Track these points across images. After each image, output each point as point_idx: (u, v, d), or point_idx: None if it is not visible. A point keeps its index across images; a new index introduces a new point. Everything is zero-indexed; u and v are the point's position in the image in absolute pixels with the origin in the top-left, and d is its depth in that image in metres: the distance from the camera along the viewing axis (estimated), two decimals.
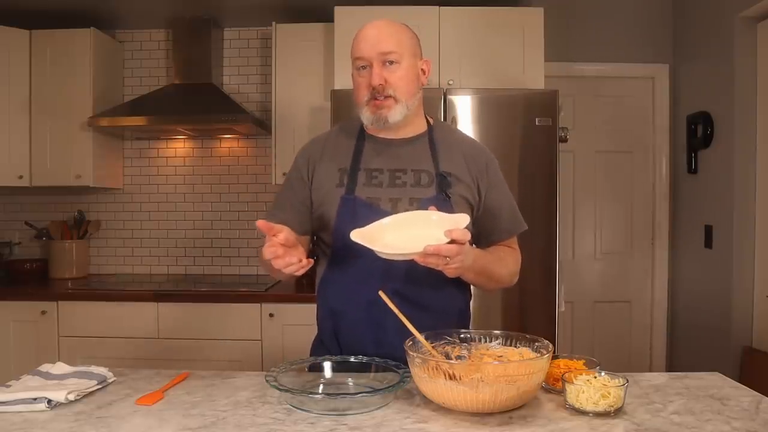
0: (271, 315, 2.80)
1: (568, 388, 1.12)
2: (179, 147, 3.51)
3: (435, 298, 1.42)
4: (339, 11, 2.88)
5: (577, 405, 1.11)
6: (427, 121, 1.53)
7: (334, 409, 1.11)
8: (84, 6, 3.14)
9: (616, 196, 3.42)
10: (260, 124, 3.20)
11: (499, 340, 1.28)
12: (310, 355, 1.50)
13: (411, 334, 1.22)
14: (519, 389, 1.07)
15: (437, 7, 2.88)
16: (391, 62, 1.39)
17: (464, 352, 1.26)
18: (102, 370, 1.32)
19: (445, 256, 1.18)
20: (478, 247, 1.53)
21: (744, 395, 1.22)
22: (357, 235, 1.23)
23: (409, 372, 1.17)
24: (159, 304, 2.85)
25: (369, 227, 1.27)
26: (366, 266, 1.37)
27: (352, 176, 1.43)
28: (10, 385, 1.23)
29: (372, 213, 1.37)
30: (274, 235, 1.21)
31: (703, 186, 3.04)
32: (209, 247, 3.50)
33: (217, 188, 3.49)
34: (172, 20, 3.34)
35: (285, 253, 1.22)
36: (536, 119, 2.56)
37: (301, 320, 2.71)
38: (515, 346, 1.25)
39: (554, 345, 1.32)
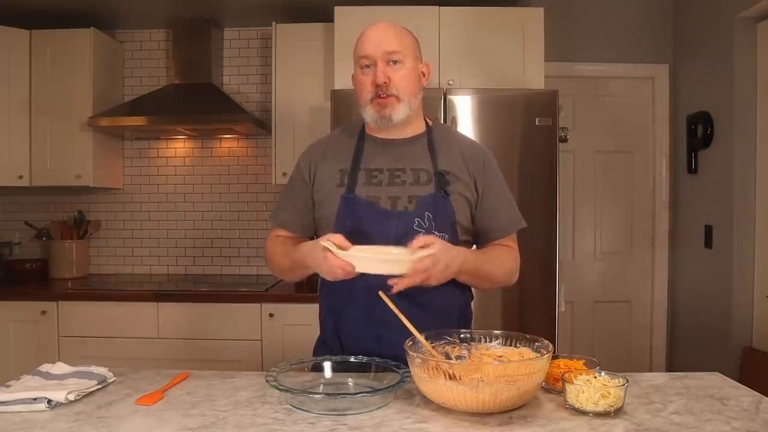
0: (271, 315, 2.80)
1: (568, 388, 1.12)
2: (179, 147, 3.51)
3: (435, 297, 1.42)
4: (339, 11, 2.88)
5: (577, 405, 1.11)
6: (426, 123, 1.55)
7: (334, 409, 1.11)
8: (84, 6, 3.14)
9: (616, 196, 3.42)
10: (260, 124, 3.20)
11: (499, 340, 1.28)
12: (313, 355, 1.51)
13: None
14: (519, 389, 1.07)
15: (437, 7, 2.88)
16: (395, 62, 1.41)
17: (464, 352, 1.26)
18: (102, 370, 1.32)
19: (424, 270, 1.24)
20: (477, 245, 1.54)
21: (744, 395, 1.22)
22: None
23: (409, 372, 1.17)
24: (159, 304, 2.84)
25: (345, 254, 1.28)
26: None
27: (353, 176, 1.45)
28: (10, 385, 1.23)
29: (372, 211, 1.40)
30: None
31: (703, 186, 3.04)
32: (209, 247, 3.50)
33: (217, 188, 3.49)
34: (172, 20, 3.34)
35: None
36: (536, 119, 2.56)
37: (301, 320, 2.72)
38: (515, 346, 1.25)
39: (554, 345, 1.32)
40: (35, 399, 1.14)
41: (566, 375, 1.16)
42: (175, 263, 3.51)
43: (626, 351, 3.42)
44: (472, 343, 1.29)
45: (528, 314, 2.59)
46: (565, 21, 3.29)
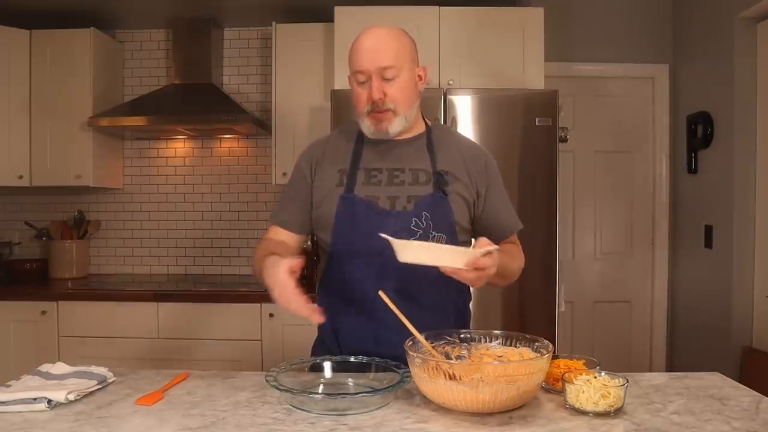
0: (271, 315, 2.80)
1: (568, 388, 1.12)
2: (179, 147, 3.51)
3: (432, 296, 1.43)
4: (339, 11, 2.88)
5: (577, 405, 1.11)
6: (426, 123, 1.55)
7: (334, 409, 1.11)
8: (84, 6, 3.14)
9: (616, 196, 3.42)
10: (260, 124, 3.20)
11: (499, 340, 1.28)
12: (311, 356, 1.51)
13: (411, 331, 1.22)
14: (519, 389, 1.07)
15: (437, 7, 2.88)
16: (390, 78, 1.39)
17: (464, 352, 1.26)
18: (102, 370, 1.32)
19: (482, 268, 1.20)
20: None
21: (744, 395, 1.22)
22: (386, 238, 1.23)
23: (409, 372, 1.17)
24: (159, 304, 2.84)
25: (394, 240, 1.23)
26: (364, 264, 1.39)
27: (352, 176, 1.45)
28: (10, 385, 1.23)
29: (370, 211, 1.40)
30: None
31: (703, 186, 3.04)
32: (209, 247, 3.50)
33: (217, 188, 3.49)
34: (172, 20, 3.34)
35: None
36: (536, 119, 2.56)
37: (300, 320, 2.66)
38: (515, 346, 1.25)
39: (554, 345, 1.32)
40: (35, 399, 1.14)
41: (566, 375, 1.16)
42: (175, 263, 3.51)
43: (626, 351, 3.42)
44: (472, 343, 1.28)
45: (528, 314, 2.59)
46: (564, 21, 3.29)
